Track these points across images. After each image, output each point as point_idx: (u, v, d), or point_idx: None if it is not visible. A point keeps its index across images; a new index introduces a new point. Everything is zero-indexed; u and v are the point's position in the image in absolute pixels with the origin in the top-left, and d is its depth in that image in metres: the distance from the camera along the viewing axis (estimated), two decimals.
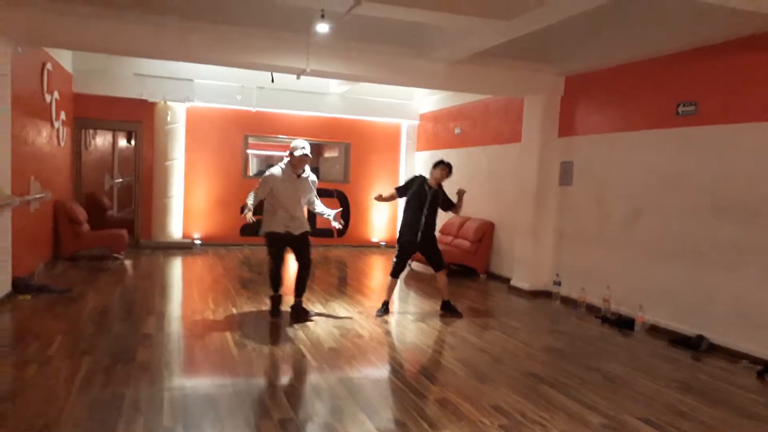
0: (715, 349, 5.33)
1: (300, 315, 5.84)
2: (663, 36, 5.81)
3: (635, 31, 6.06)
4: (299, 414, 3.57)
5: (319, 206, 6.02)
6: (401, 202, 6.52)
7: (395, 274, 6.32)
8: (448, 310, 6.38)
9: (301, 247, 5.91)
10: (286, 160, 5.77)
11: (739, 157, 5.29)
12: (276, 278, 5.87)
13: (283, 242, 5.81)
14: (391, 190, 6.42)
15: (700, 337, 5.41)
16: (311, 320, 5.79)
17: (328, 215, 5.98)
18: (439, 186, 6.32)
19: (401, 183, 6.47)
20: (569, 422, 3.59)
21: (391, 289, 6.37)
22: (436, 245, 6.40)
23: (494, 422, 3.54)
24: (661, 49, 6.01)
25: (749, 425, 3.72)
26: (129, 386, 3.81)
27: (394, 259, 6.31)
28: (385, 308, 6.24)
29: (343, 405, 3.74)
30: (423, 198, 6.20)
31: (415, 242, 6.24)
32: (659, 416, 3.74)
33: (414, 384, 4.21)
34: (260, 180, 5.79)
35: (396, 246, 6.40)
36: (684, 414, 3.81)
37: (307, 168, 5.85)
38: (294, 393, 3.97)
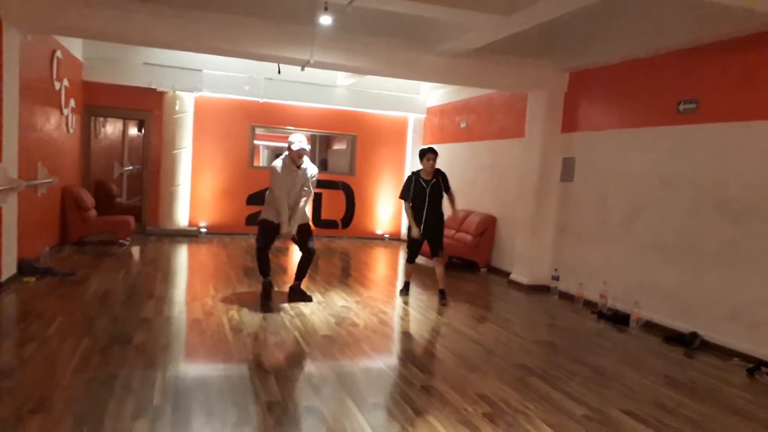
0: (708, 347, 5.35)
1: (296, 296, 6.18)
2: (665, 33, 5.80)
3: (638, 28, 6.06)
4: (287, 398, 3.64)
5: (303, 202, 6.00)
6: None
7: (410, 260, 6.80)
8: (443, 298, 6.61)
9: (303, 236, 6.13)
10: (285, 153, 6.00)
11: (738, 155, 5.27)
12: (264, 262, 6.10)
13: (274, 233, 6.01)
14: (404, 205, 6.70)
15: (694, 335, 5.42)
16: (309, 301, 6.13)
17: (303, 217, 6.11)
18: (435, 174, 6.52)
19: (401, 188, 6.75)
20: (552, 412, 3.64)
21: (408, 273, 6.91)
22: (439, 232, 6.61)
23: (478, 410, 3.60)
24: (664, 47, 6.00)
25: (733, 421, 3.75)
26: (124, 367, 3.91)
27: (407, 249, 6.83)
28: (406, 288, 6.85)
29: (331, 390, 3.81)
30: (423, 194, 6.48)
31: (422, 232, 6.54)
32: (643, 409, 3.78)
33: (403, 371, 4.28)
34: (270, 174, 5.98)
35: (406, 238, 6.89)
36: (669, 408, 3.85)
37: (307, 160, 6.02)
38: (284, 378, 4.04)
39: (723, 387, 4.39)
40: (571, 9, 4.91)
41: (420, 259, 9.26)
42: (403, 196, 6.62)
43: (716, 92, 5.52)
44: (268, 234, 6.06)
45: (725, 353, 5.18)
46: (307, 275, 6.40)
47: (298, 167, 5.93)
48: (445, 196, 6.55)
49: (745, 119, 5.22)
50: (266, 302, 5.98)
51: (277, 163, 5.97)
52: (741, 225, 5.20)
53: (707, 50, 5.62)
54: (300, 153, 5.86)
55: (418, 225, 6.49)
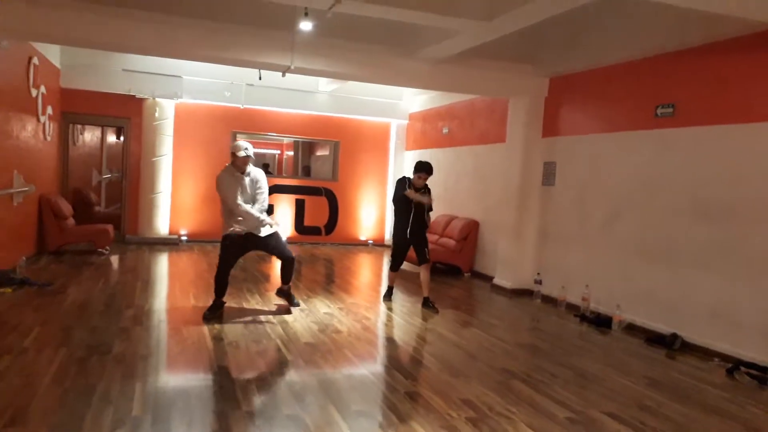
0: (688, 348, 5.40)
1: (285, 296, 6.10)
2: (643, 39, 5.89)
3: (616, 34, 6.14)
4: (269, 406, 3.60)
5: (257, 207, 5.64)
6: (391, 203, 6.90)
7: (394, 268, 6.78)
8: (427, 306, 6.51)
9: (277, 245, 5.86)
10: (228, 164, 5.66)
11: (715, 158, 5.35)
12: (223, 284, 5.72)
13: (240, 247, 5.72)
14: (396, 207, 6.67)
15: (675, 336, 5.48)
16: (296, 305, 6.08)
17: (266, 221, 5.70)
18: (424, 187, 6.55)
19: (391, 187, 6.76)
20: (535, 416, 3.65)
21: (391, 279, 6.91)
22: (424, 239, 6.64)
23: (461, 415, 3.59)
24: (642, 52, 6.08)
25: (713, 421, 3.78)
26: (102, 378, 3.83)
27: (390, 257, 6.82)
28: (389, 293, 6.87)
29: (314, 398, 3.78)
30: (410, 202, 6.45)
31: (405, 239, 6.56)
32: (625, 411, 3.80)
33: (387, 378, 4.26)
34: (217, 185, 5.59)
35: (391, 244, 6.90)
36: (650, 409, 3.87)
37: (251, 166, 5.66)
38: (266, 386, 4.00)
39: (703, 387, 4.43)
40: (550, 15, 4.95)
41: (405, 265, 9.29)
42: (394, 199, 6.63)
43: (692, 96, 5.60)
44: (232, 251, 5.68)
45: (706, 354, 5.23)
46: (292, 278, 6.10)
47: (243, 173, 5.58)
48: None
49: (721, 123, 5.30)
50: (209, 315, 5.56)
51: (223, 172, 5.62)
52: (719, 227, 5.27)
53: (684, 55, 5.70)
54: (245, 160, 5.52)
55: (404, 230, 6.50)
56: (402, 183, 6.56)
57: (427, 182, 6.59)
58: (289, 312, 5.97)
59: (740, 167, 5.11)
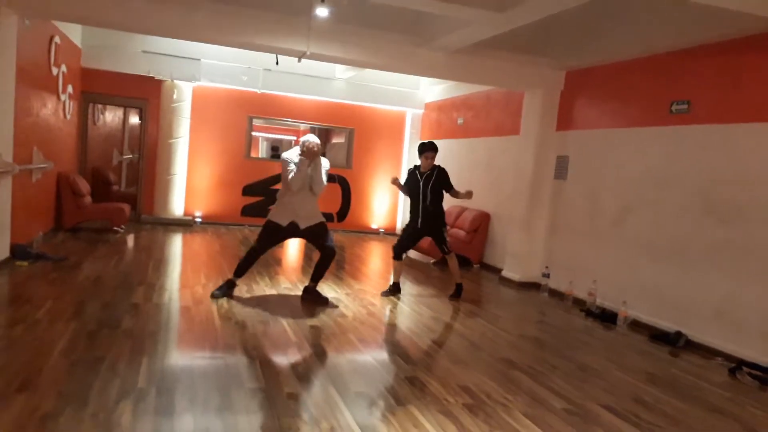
0: (692, 346, 5.40)
1: (310, 296, 5.94)
2: (659, 34, 5.84)
3: (632, 29, 6.09)
4: (270, 385, 3.68)
5: (313, 198, 5.76)
6: (402, 194, 6.81)
7: (397, 256, 6.62)
8: (458, 293, 6.66)
9: (319, 238, 5.81)
10: (296, 148, 5.71)
11: (729, 157, 5.31)
12: (248, 264, 5.78)
13: (278, 236, 5.80)
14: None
15: (679, 334, 5.47)
16: (325, 303, 5.83)
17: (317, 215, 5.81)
18: (433, 169, 6.40)
19: (404, 174, 6.63)
20: (532, 405, 3.69)
21: (396, 272, 6.69)
22: (440, 231, 6.49)
23: (459, 401, 3.64)
24: (658, 47, 6.02)
25: (710, 419, 3.79)
26: (110, 351, 3.95)
27: (396, 243, 6.65)
28: (393, 289, 6.58)
29: (315, 378, 3.86)
30: (417, 186, 6.41)
31: (416, 228, 6.49)
32: (622, 404, 3.83)
33: (388, 362, 4.33)
34: (283, 163, 5.64)
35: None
36: (647, 404, 3.89)
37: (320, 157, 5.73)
38: (269, 365, 4.09)
39: (703, 385, 4.44)
40: (560, 9, 4.94)
41: (414, 254, 9.35)
42: (404, 188, 6.58)
43: (708, 94, 5.55)
44: (269, 237, 5.78)
45: (709, 353, 5.23)
46: (323, 277, 6.03)
47: (311, 163, 5.61)
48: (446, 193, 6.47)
49: (735, 121, 5.25)
50: (218, 293, 5.66)
51: (291, 154, 5.66)
52: (729, 226, 5.24)
53: (700, 52, 5.65)
54: (315, 153, 5.58)
55: (415, 219, 6.46)
56: (410, 173, 6.56)
57: (440, 165, 6.47)
58: (325, 301, 5.87)
59: (753, 167, 5.07)
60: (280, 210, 5.72)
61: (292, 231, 5.72)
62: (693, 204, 5.61)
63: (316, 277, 5.94)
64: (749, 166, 5.10)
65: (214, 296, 5.63)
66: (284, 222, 5.67)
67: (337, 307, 5.78)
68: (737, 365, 4.77)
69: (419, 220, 6.44)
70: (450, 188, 6.43)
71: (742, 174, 5.17)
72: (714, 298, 5.31)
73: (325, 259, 5.84)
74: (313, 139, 5.63)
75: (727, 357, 5.04)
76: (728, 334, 5.15)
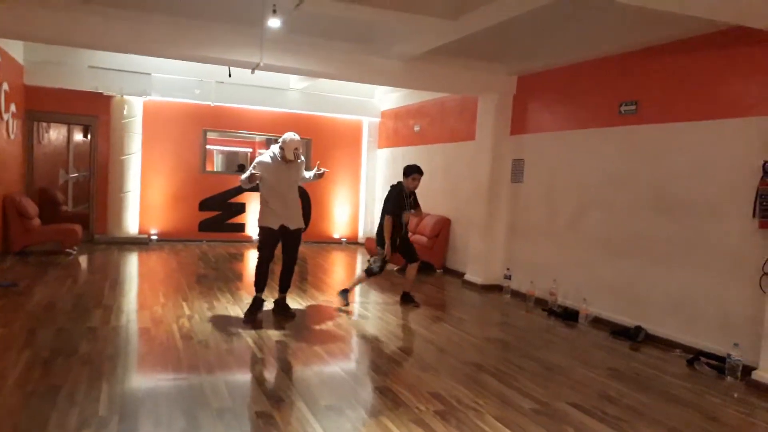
0: (652, 340, 5.55)
1: (282, 310, 5.84)
2: (608, 37, 5.99)
3: (582, 33, 6.21)
4: (237, 404, 3.60)
5: (306, 176, 6.01)
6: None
7: (370, 274, 6.32)
8: (408, 301, 6.64)
9: (293, 242, 5.81)
10: (274, 148, 5.71)
11: (677, 154, 5.50)
12: (263, 277, 5.75)
13: (275, 239, 5.74)
14: (386, 220, 6.25)
15: (638, 328, 5.62)
16: (292, 318, 5.71)
17: (313, 174, 6.03)
18: (412, 191, 6.46)
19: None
20: (502, 407, 3.72)
21: (359, 282, 6.69)
22: (410, 243, 6.66)
23: (430, 408, 3.64)
24: (606, 50, 6.21)
25: (673, 409, 3.90)
26: (67, 379, 3.79)
27: (378, 263, 6.28)
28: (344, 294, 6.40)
29: (283, 394, 3.79)
30: (403, 208, 6.34)
31: (396, 247, 6.39)
32: (588, 401, 3.90)
33: (357, 373, 4.29)
34: (258, 166, 5.61)
35: (378, 251, 6.36)
36: (612, 399, 3.98)
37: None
38: (235, 384, 4.00)
39: (664, 377, 4.57)
40: (514, 14, 5.02)
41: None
42: (392, 211, 6.24)
43: (655, 94, 5.75)
44: (268, 242, 5.73)
45: (668, 345, 5.39)
46: (290, 285, 5.95)
47: (288, 161, 5.63)
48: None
49: (682, 120, 5.45)
50: (250, 315, 5.59)
51: (264, 157, 5.68)
52: (680, 222, 5.42)
53: (646, 53, 5.85)
54: (293, 146, 5.60)
55: (394, 243, 6.28)
56: (397, 196, 6.31)
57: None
58: (259, 310, 5.77)
59: (701, 163, 5.26)
60: (269, 214, 5.69)
61: (283, 233, 5.71)
62: (646, 201, 5.78)
63: (285, 287, 5.90)
64: (698, 162, 5.29)
65: (245, 322, 5.46)
66: (275, 225, 5.66)
67: (301, 319, 5.71)
68: (695, 356, 4.93)
69: (398, 240, 6.35)
70: (417, 206, 6.51)
71: (689, 171, 5.36)
72: (670, 291, 5.49)
73: (289, 266, 5.86)
74: (294, 135, 5.68)
75: (685, 348, 5.20)
76: (685, 326, 5.32)
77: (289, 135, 5.66)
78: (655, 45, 5.72)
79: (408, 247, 6.59)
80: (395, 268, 9.00)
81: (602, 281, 6.24)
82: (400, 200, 6.28)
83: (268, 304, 5.90)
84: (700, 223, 5.24)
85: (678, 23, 5.10)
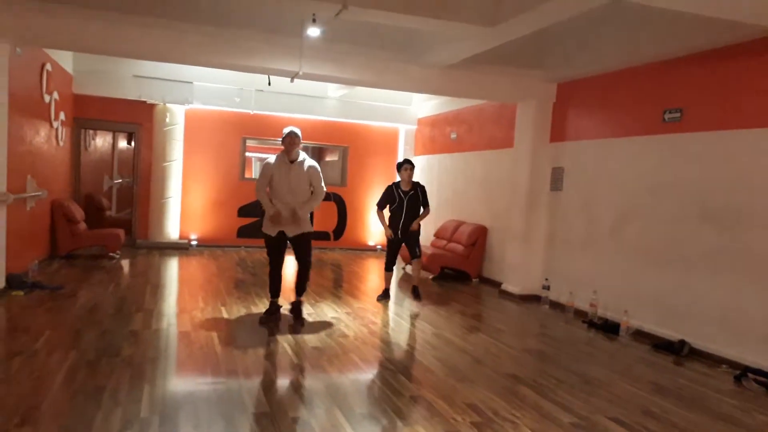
0: (696, 354, 5.38)
1: (294, 314, 5.90)
2: (650, 43, 5.88)
3: (624, 39, 6.13)
4: (275, 409, 3.63)
5: (314, 202, 5.76)
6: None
7: (388, 267, 7.17)
8: (416, 295, 7.20)
9: (299, 249, 5.85)
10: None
11: (723, 163, 5.34)
12: (273, 282, 5.86)
13: (277, 245, 5.77)
14: (378, 214, 7.22)
15: (682, 342, 5.45)
16: (301, 325, 5.73)
17: (306, 225, 5.80)
18: (414, 186, 7.04)
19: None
20: (540, 420, 3.65)
21: (387, 281, 7.20)
22: (414, 238, 7.09)
23: (466, 419, 3.60)
24: (649, 57, 6.08)
25: (719, 427, 3.77)
26: (111, 380, 3.89)
27: (385, 257, 7.20)
28: (385, 294, 7.16)
29: (320, 401, 3.81)
30: (401, 203, 7.00)
31: (397, 237, 7.05)
32: (630, 416, 3.80)
33: (392, 382, 4.27)
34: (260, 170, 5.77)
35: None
36: (655, 415, 3.86)
37: (303, 153, 5.74)
38: (272, 389, 4.04)
39: (710, 394, 4.41)
40: (554, 21, 4.98)
41: (409, 268, 9.32)
42: (379, 204, 7.18)
43: (700, 101, 5.60)
44: (271, 247, 5.77)
45: (713, 360, 5.21)
46: (306, 289, 6.06)
47: (292, 161, 5.60)
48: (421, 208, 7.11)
49: (728, 128, 5.29)
50: (265, 319, 5.72)
51: (271, 157, 5.74)
52: (727, 232, 5.25)
53: (692, 60, 5.70)
54: (291, 141, 5.53)
55: (395, 231, 7.02)
56: (386, 192, 7.12)
57: (419, 183, 7.18)
58: (273, 315, 5.83)
59: (748, 173, 5.10)
60: (267, 219, 5.74)
61: (284, 239, 5.74)
62: (690, 211, 5.62)
63: (300, 290, 5.99)
64: (745, 171, 5.12)
65: (261, 322, 5.68)
66: (273, 232, 5.69)
67: (337, 326, 5.73)
68: (742, 372, 4.75)
69: (398, 231, 7.00)
70: (427, 205, 7.13)
71: (737, 180, 5.19)
72: (716, 304, 5.31)
73: (303, 272, 5.92)
74: (290, 129, 5.65)
75: (732, 364, 5.02)
76: (732, 340, 5.13)
77: (286, 129, 5.66)
78: (701, 51, 5.57)
79: (411, 243, 7.06)
80: (430, 277, 8.97)
81: (644, 293, 6.08)
82: (388, 195, 7.10)
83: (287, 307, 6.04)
84: (747, 233, 5.07)
85: (726, 29, 4.97)
